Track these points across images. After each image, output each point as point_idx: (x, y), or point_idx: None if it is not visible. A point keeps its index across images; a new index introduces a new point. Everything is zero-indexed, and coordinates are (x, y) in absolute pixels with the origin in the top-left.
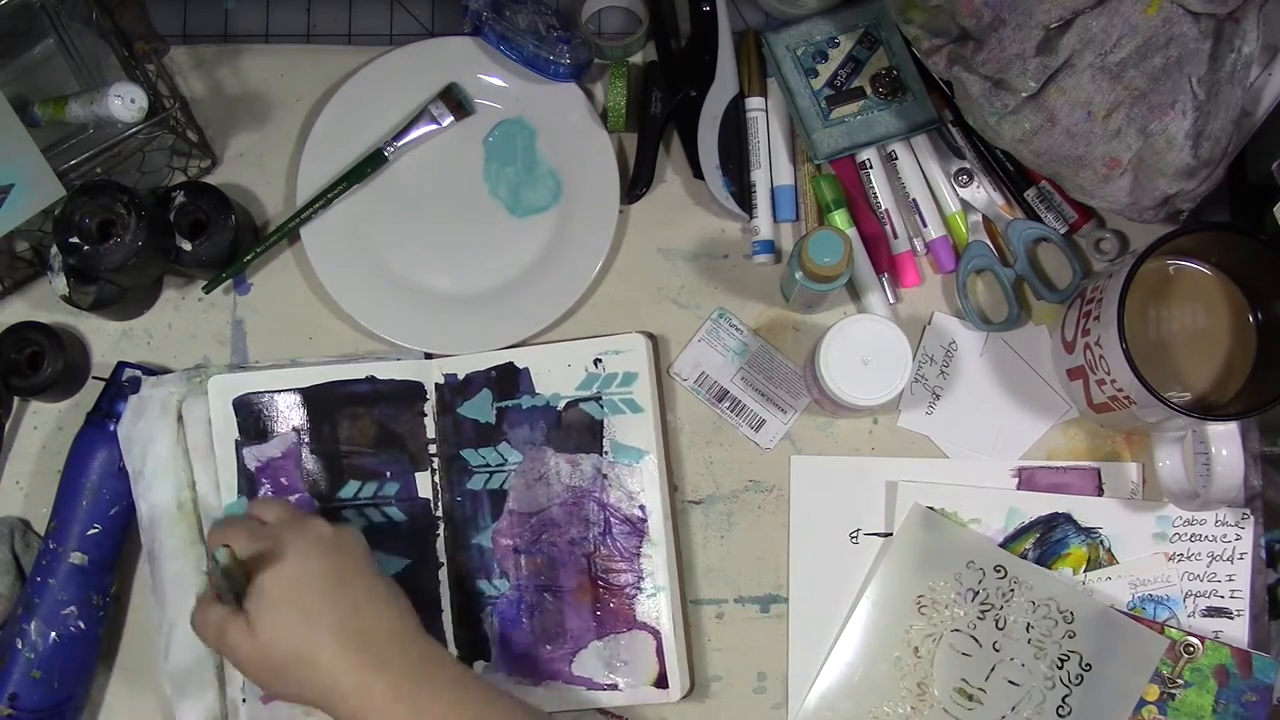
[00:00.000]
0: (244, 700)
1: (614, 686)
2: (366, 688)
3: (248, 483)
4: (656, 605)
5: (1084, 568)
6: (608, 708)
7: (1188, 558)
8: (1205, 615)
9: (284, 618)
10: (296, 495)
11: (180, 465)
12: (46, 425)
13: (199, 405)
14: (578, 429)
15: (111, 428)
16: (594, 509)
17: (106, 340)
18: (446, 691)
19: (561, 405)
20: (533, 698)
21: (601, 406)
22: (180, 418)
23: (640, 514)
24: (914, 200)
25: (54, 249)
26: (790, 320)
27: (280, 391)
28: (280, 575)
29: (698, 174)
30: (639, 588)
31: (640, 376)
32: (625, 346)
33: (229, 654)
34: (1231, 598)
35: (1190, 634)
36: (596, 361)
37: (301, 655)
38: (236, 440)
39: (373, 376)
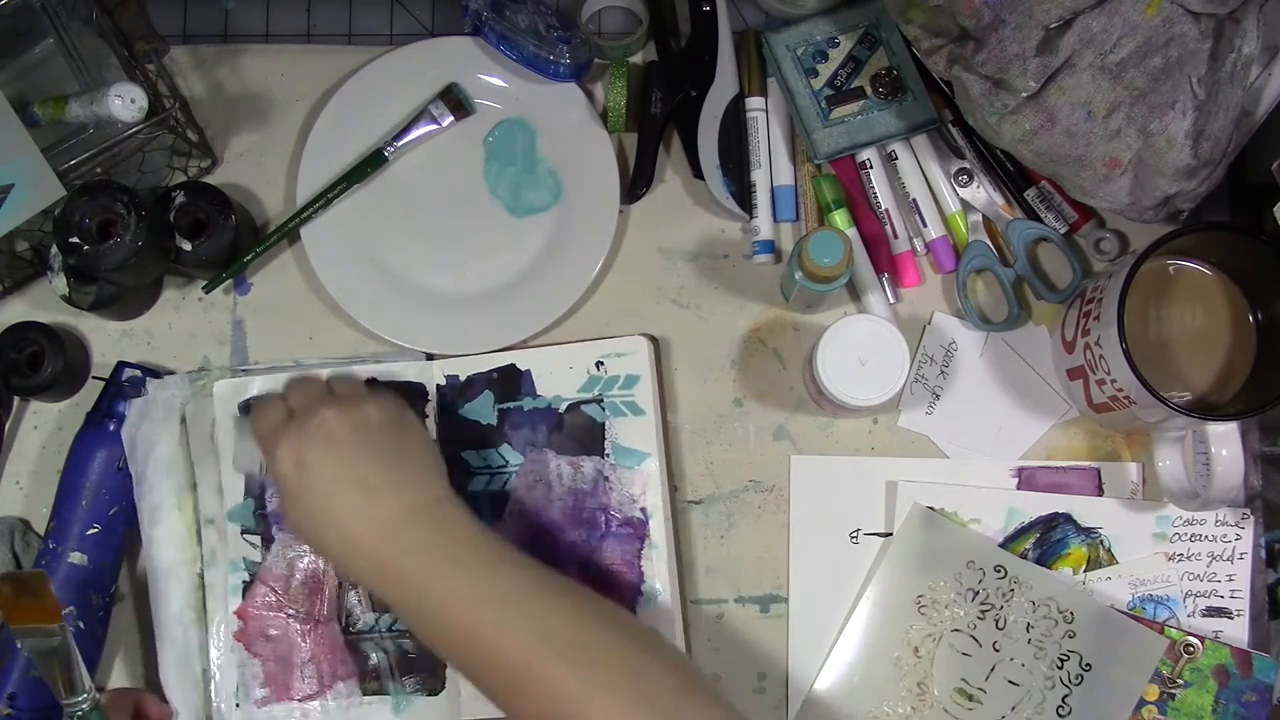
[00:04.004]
0: (238, 705)
1: None
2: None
3: (253, 483)
4: (657, 607)
5: (1084, 568)
6: None
7: (1188, 558)
8: (1205, 615)
9: (300, 483)
10: None
11: (182, 468)
12: (46, 425)
13: (203, 408)
14: (579, 431)
15: (111, 428)
16: (595, 511)
17: (106, 340)
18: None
19: (563, 407)
20: None
21: (603, 409)
22: (184, 420)
23: (641, 516)
24: (914, 200)
25: (54, 249)
26: (790, 320)
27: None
28: (345, 414)
29: (698, 174)
30: (640, 590)
31: (642, 379)
32: (627, 349)
33: (268, 458)
34: (1231, 598)
35: (1190, 634)
36: (598, 364)
37: (326, 510)
38: (241, 441)
39: (374, 379)
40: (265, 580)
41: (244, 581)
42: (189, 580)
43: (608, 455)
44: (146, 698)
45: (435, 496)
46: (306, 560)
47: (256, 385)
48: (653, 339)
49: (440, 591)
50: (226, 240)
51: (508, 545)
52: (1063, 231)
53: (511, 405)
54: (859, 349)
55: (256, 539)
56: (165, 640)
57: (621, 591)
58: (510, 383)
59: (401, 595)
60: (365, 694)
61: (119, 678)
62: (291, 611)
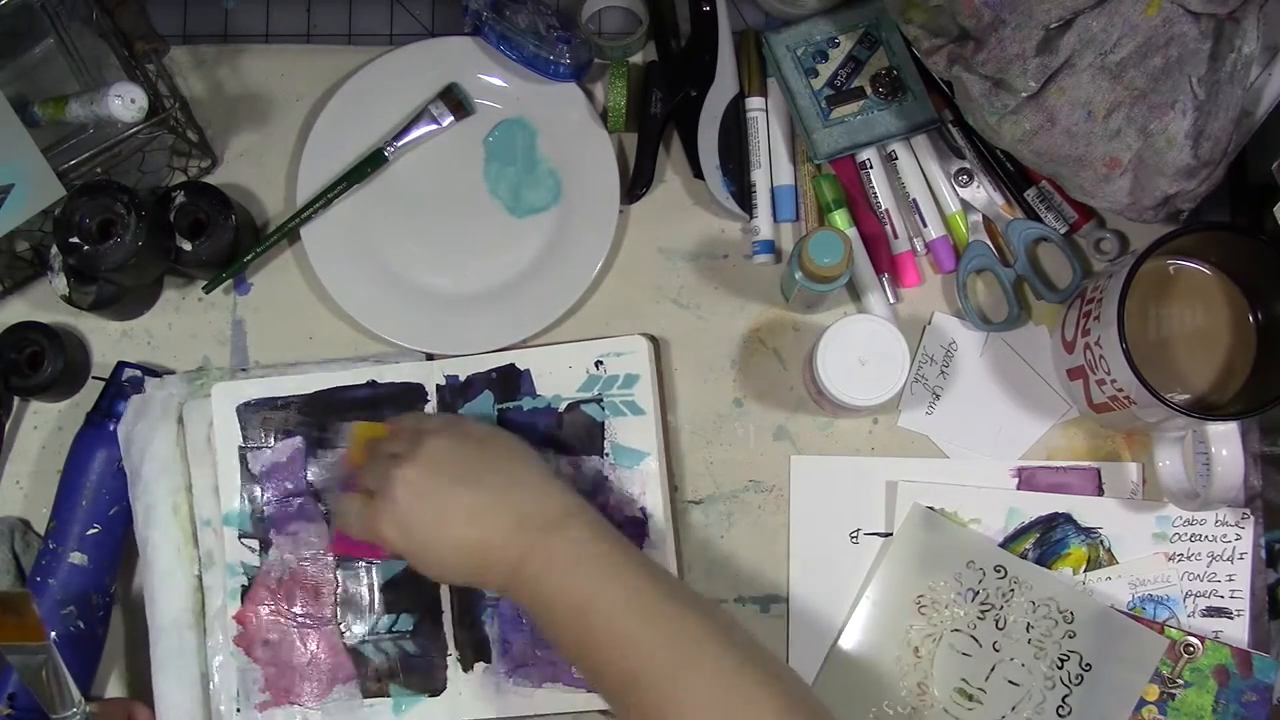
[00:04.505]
0: (238, 710)
1: None
2: (533, 550)
3: (251, 486)
4: None
5: (1084, 568)
6: (608, 709)
7: (1188, 558)
8: (1205, 615)
9: (428, 504)
10: (300, 499)
11: (178, 468)
12: (46, 425)
13: (200, 409)
14: (579, 431)
15: (111, 428)
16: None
17: (106, 340)
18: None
19: (563, 407)
20: (533, 700)
21: (603, 408)
22: (180, 420)
23: (641, 516)
24: (914, 200)
25: (54, 249)
26: (790, 320)
27: (284, 397)
28: (415, 466)
29: (698, 174)
30: None
31: (642, 378)
32: (627, 348)
33: (374, 539)
34: (1231, 598)
35: (1190, 634)
36: (598, 363)
37: (468, 538)
38: (240, 445)
39: (374, 381)
40: (264, 584)
41: (242, 585)
42: (186, 583)
43: (607, 455)
44: (137, 708)
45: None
46: (305, 564)
47: (254, 388)
48: (652, 339)
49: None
50: (226, 240)
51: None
52: (1063, 231)
53: (511, 405)
54: (859, 349)
55: (254, 542)
56: (161, 644)
57: None
58: (510, 383)
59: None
60: (366, 696)
61: (119, 678)
62: (291, 615)
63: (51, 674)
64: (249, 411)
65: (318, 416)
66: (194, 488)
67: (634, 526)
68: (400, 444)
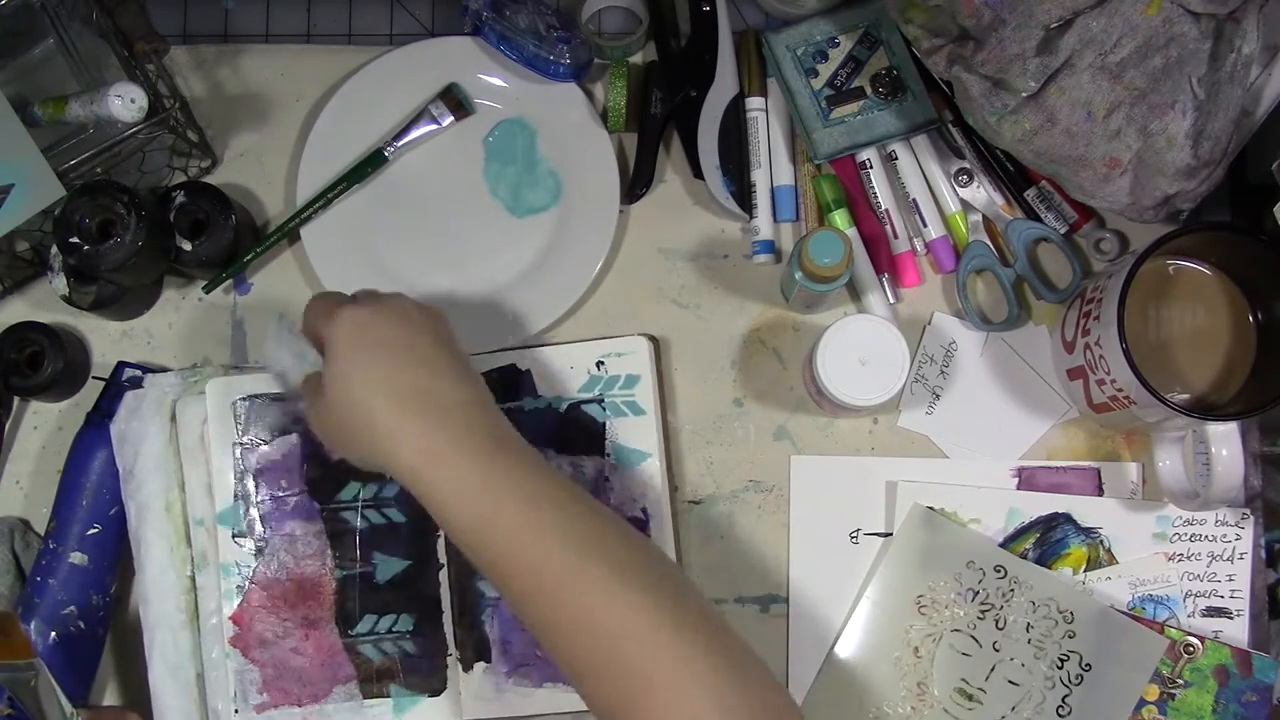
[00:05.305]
0: (236, 711)
1: None
2: (426, 451)
3: (246, 484)
4: None
5: (1084, 568)
6: None
7: (1188, 558)
8: (1205, 615)
9: (344, 370)
10: (296, 497)
11: (171, 466)
12: (46, 425)
13: (194, 406)
14: (580, 431)
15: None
16: None
17: (106, 340)
18: (515, 464)
19: (564, 407)
20: (533, 700)
21: (604, 409)
22: (174, 417)
23: (642, 516)
24: (914, 200)
25: (54, 249)
26: (790, 320)
27: (280, 394)
28: (346, 321)
29: (698, 174)
30: None
31: (643, 379)
32: (628, 349)
33: (307, 414)
34: (1231, 598)
35: (1190, 634)
36: (599, 364)
37: (360, 413)
38: (234, 442)
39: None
40: (260, 584)
41: (238, 586)
42: (179, 584)
43: (608, 455)
44: (131, 718)
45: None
46: (303, 563)
47: (249, 384)
48: (653, 339)
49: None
50: (226, 240)
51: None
52: (1063, 231)
53: (512, 405)
54: (859, 349)
55: (249, 542)
56: (155, 645)
57: None
58: (510, 383)
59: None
60: (366, 697)
61: (119, 678)
62: (288, 615)
63: (43, 690)
64: (244, 407)
65: None
66: (187, 486)
67: (635, 527)
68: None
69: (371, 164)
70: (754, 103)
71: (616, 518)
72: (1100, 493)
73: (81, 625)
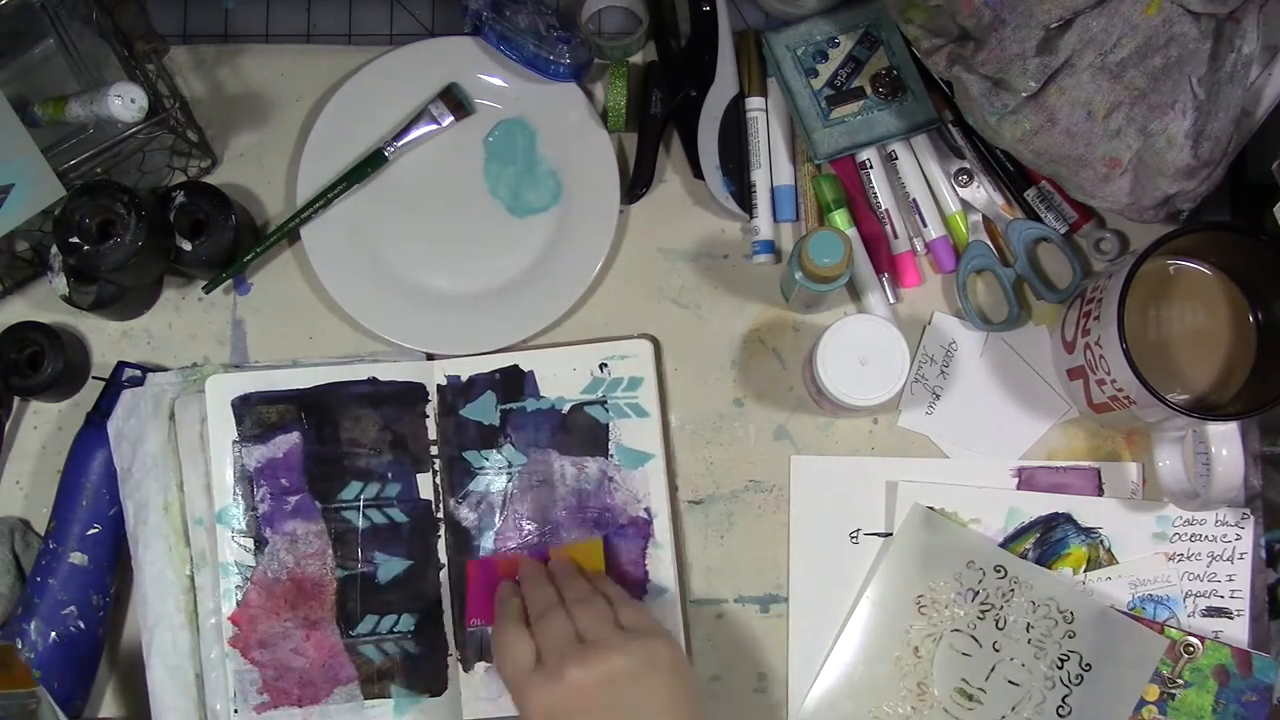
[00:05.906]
0: (236, 711)
1: None
2: None
3: (246, 483)
4: (663, 606)
5: (1084, 568)
6: None
7: (1188, 558)
8: (1205, 615)
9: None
10: (297, 496)
11: (169, 465)
12: (46, 425)
13: (192, 404)
14: (583, 432)
15: None
16: (599, 512)
17: (106, 340)
18: None
19: (566, 408)
20: None
21: (607, 410)
22: (172, 416)
23: (646, 516)
24: (914, 200)
25: (54, 249)
26: (790, 320)
27: (280, 392)
28: (539, 708)
29: (698, 174)
30: (644, 590)
31: (646, 381)
32: (631, 351)
33: (516, 698)
34: (1231, 598)
35: (1190, 634)
36: (602, 366)
37: None
38: (234, 440)
39: (374, 378)
40: (259, 584)
41: (237, 585)
42: (178, 583)
43: (612, 456)
44: None
45: None
46: (303, 563)
47: (248, 381)
48: (653, 339)
49: None
50: (226, 240)
51: None
52: (1063, 231)
53: (514, 406)
54: (859, 349)
55: (249, 542)
56: (154, 645)
57: (626, 590)
58: (513, 384)
59: None
60: (367, 697)
61: (119, 678)
62: (289, 615)
63: (44, 715)
64: (244, 405)
65: (316, 412)
66: (185, 485)
67: (638, 527)
68: (587, 615)
69: (371, 164)
70: (754, 103)
71: None
72: (1100, 493)
73: (81, 625)
